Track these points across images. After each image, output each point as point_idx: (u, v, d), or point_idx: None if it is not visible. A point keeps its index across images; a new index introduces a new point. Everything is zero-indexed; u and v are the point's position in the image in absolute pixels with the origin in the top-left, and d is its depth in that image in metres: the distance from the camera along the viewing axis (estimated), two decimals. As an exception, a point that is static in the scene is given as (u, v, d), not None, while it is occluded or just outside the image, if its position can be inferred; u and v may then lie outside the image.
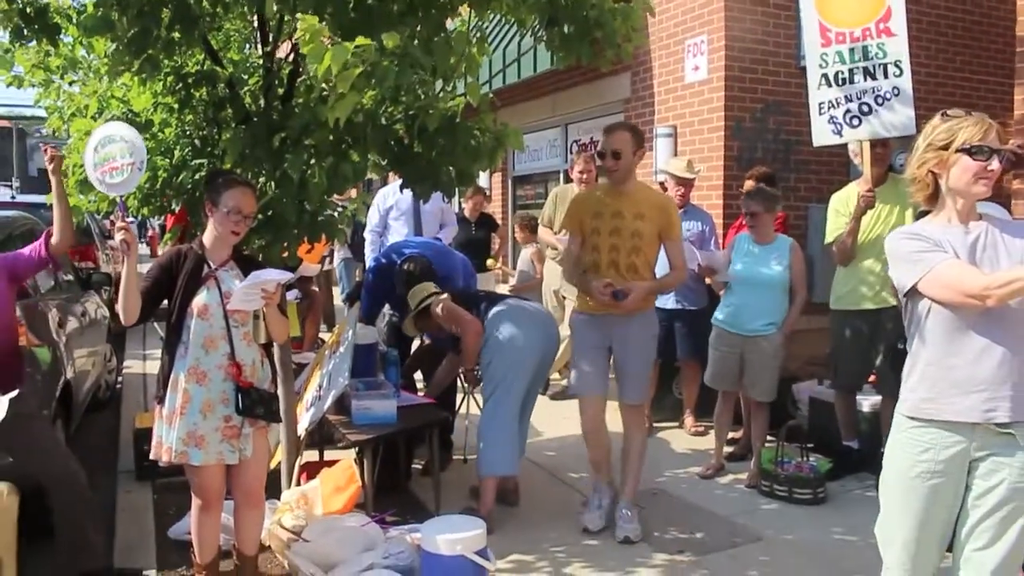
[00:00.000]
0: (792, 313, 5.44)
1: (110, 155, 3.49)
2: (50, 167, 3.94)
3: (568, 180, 8.08)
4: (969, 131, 2.59)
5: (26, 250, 4.14)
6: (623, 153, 4.49)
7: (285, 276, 3.55)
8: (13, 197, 12.72)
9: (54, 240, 4.08)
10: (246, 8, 4.05)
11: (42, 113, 5.20)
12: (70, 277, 6.97)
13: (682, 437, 6.63)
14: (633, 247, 4.50)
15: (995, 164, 2.58)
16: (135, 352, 9.49)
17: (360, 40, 3.06)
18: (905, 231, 2.72)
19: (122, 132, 3.53)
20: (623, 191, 4.55)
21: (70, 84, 4.87)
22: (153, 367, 8.53)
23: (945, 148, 2.62)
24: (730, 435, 6.01)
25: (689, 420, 6.75)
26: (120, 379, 8.45)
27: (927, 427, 2.63)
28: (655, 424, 6.78)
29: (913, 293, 2.64)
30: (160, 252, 4.10)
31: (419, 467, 5.65)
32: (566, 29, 4.48)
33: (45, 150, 3.94)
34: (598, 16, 4.45)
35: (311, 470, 4.87)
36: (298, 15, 3.37)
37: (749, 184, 6.60)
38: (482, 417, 4.88)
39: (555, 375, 7.94)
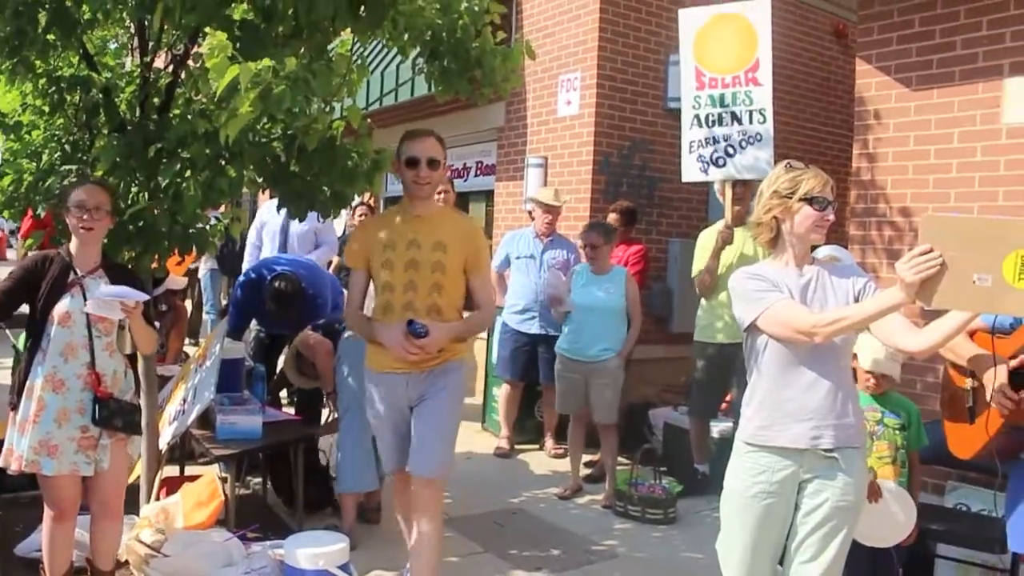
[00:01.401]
0: (629, 338, 5.76)
1: None
2: None
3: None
4: (811, 183, 2.88)
5: None
6: (440, 163, 3.75)
7: (141, 297, 3.52)
8: None
9: None
10: (126, 16, 4.02)
11: None
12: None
13: (543, 459, 6.83)
14: (434, 284, 3.69)
15: (831, 214, 2.88)
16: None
17: (265, 61, 3.13)
18: (747, 271, 2.98)
19: None
20: (422, 216, 3.76)
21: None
22: (2, 376, 8.15)
23: (788, 196, 2.89)
24: (588, 458, 6.25)
25: (549, 443, 6.96)
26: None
27: (762, 452, 2.89)
28: (517, 446, 6.96)
29: (752, 328, 2.91)
30: (15, 256, 3.98)
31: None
32: (447, 64, 4.64)
33: None
34: (479, 55, 4.63)
35: (171, 485, 4.80)
36: (206, 30, 3.40)
37: (612, 216, 6.91)
38: (338, 434, 4.93)
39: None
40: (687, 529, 5.33)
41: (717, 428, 6.13)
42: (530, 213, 7.24)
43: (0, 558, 4.38)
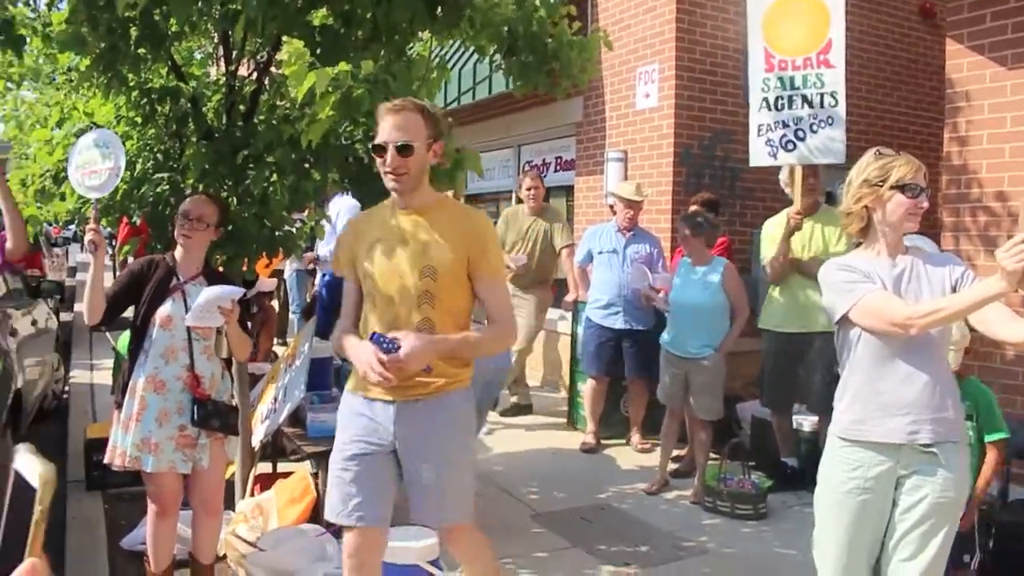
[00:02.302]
0: (730, 334, 5.61)
1: (92, 159, 3.59)
2: None
3: (519, 201, 8.23)
4: (902, 169, 2.79)
5: None
6: (415, 147, 2.90)
7: (237, 292, 3.64)
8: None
9: (9, 246, 4.11)
10: (211, 27, 4.14)
11: None
12: (20, 285, 6.93)
13: (629, 454, 6.79)
14: (424, 294, 2.93)
15: (925, 201, 2.79)
16: (82, 361, 9.40)
17: (342, 66, 3.19)
18: (838, 262, 2.91)
19: (105, 138, 3.63)
20: (411, 209, 3.01)
21: (29, 91, 4.91)
22: (100, 377, 8.49)
23: (879, 185, 2.81)
24: (675, 452, 6.19)
25: (636, 437, 6.92)
26: (67, 388, 8.38)
27: (857, 447, 2.81)
28: (603, 441, 6.93)
29: (844, 321, 2.83)
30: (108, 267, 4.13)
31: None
32: (524, 58, 4.65)
33: None
34: (556, 47, 4.62)
35: (265, 481, 4.93)
36: (284, 38, 3.48)
37: (693, 208, 6.83)
38: None
39: (504, 391, 8.08)
40: (778, 524, 5.23)
41: (808, 421, 6.01)
42: (611, 208, 7.20)
43: (108, 549, 4.57)
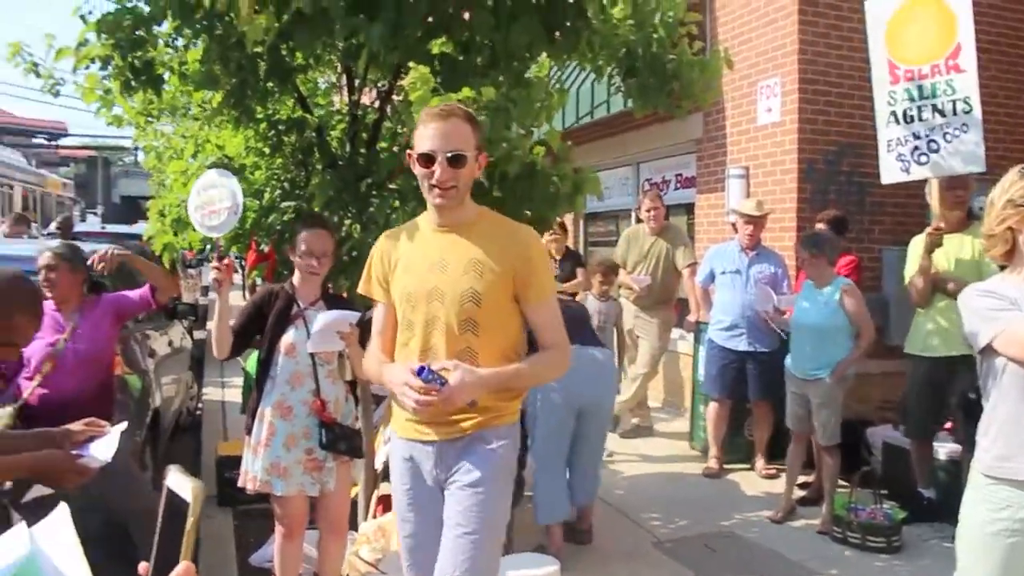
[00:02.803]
0: (849, 355, 5.36)
1: (211, 199, 3.72)
2: (105, 269, 4.17)
3: (639, 221, 8.14)
4: None
5: (134, 294, 4.34)
6: (467, 157, 2.63)
7: (353, 316, 3.71)
8: (103, 227, 13.25)
9: (158, 294, 4.29)
10: (335, 59, 4.25)
11: (124, 143, 5.48)
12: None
13: (753, 479, 6.60)
14: (467, 320, 2.66)
15: None
16: (214, 379, 9.77)
17: (465, 92, 3.22)
18: (980, 288, 2.73)
19: (223, 180, 3.76)
20: (451, 226, 2.73)
21: (167, 124, 5.15)
22: (231, 394, 8.80)
23: None
24: (802, 479, 5.98)
25: (760, 462, 6.72)
26: (200, 405, 8.72)
27: (1003, 486, 2.63)
28: (725, 466, 6.76)
29: (988, 351, 2.65)
30: (238, 285, 4.26)
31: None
32: (644, 80, 4.59)
33: (102, 259, 4.16)
34: (676, 68, 4.55)
35: (387, 503, 4.99)
36: (410, 64, 3.54)
37: (820, 226, 6.60)
38: (531, 459, 4.98)
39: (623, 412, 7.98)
40: (913, 560, 4.97)
41: (944, 449, 5.70)
42: (733, 225, 7.03)
43: (237, 565, 4.72)
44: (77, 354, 3.98)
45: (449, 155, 2.59)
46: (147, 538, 3.67)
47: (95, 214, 23.77)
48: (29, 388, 3.84)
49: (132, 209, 28.18)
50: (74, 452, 2.81)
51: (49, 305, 3.97)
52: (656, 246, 7.52)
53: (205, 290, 14.42)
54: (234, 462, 4.33)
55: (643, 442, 7.60)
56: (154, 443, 5.55)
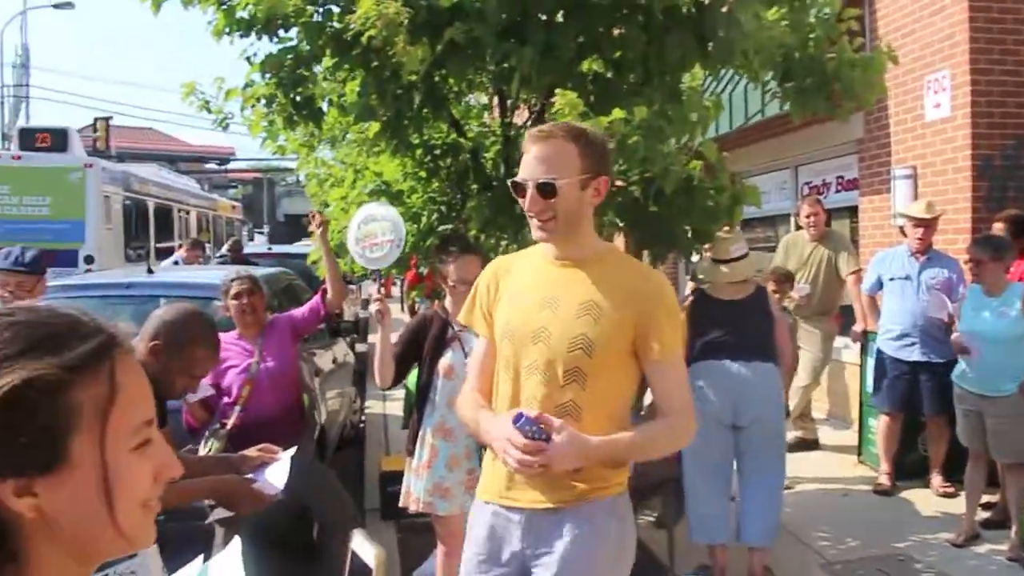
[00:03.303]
0: None
1: (372, 232, 3.82)
2: (318, 232, 4.33)
3: (798, 227, 7.86)
4: None
5: (305, 308, 4.54)
6: (559, 186, 2.29)
7: None
8: (269, 248, 13.92)
9: (329, 296, 4.45)
10: (486, 82, 4.30)
11: (287, 163, 5.75)
12: (322, 326, 7.54)
13: (929, 498, 6.23)
14: (574, 371, 2.31)
15: None
16: (375, 393, 10.06)
17: (617, 113, 3.20)
18: None
19: (384, 212, 3.87)
20: (568, 260, 2.40)
21: (327, 151, 5.36)
22: (392, 407, 9.04)
23: None
24: (985, 498, 5.59)
25: (937, 479, 6.33)
26: (363, 419, 9.00)
27: None
28: (898, 483, 6.41)
29: None
30: (396, 298, 4.34)
31: (651, 519, 5.64)
32: (801, 83, 4.43)
33: (313, 216, 4.33)
34: (836, 68, 4.36)
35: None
36: (557, 90, 3.56)
37: (998, 227, 6.17)
38: (684, 472, 4.82)
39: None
40: (1119, 590, 4.57)
41: None
42: (901, 229, 6.68)
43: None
44: (270, 374, 4.16)
45: (539, 182, 2.27)
46: (343, 549, 3.76)
47: (261, 233, 25.04)
48: (233, 413, 4.05)
49: (296, 227, 29.54)
50: (249, 476, 2.96)
51: (232, 335, 4.18)
52: (817, 253, 7.24)
53: (365, 303, 14.92)
54: (397, 477, 4.47)
55: (807, 456, 7.30)
56: (320, 458, 5.76)
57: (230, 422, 4.03)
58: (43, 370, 0.90)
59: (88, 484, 0.93)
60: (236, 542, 1.43)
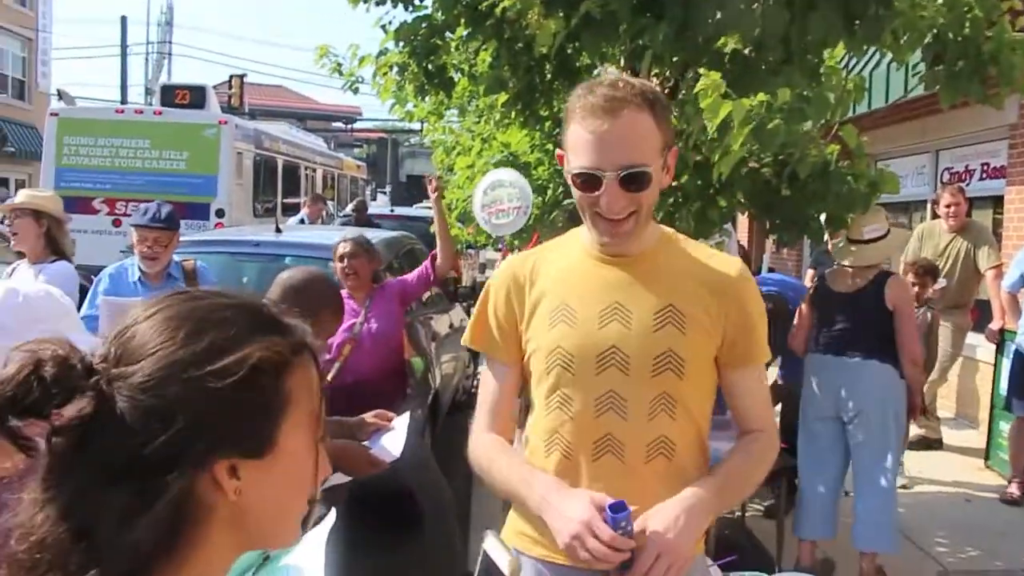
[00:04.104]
0: None
1: (498, 198, 3.83)
2: (433, 196, 4.37)
3: (935, 215, 7.48)
4: None
5: (414, 274, 4.61)
6: (650, 172, 1.75)
7: None
8: (392, 210, 14.16)
9: (439, 263, 4.50)
10: (620, 58, 4.21)
11: (413, 125, 5.81)
12: (438, 290, 7.63)
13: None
14: (662, 397, 1.81)
15: None
16: (488, 358, 10.15)
17: (760, 96, 3.09)
18: None
19: (512, 178, 3.85)
20: (629, 255, 1.86)
21: (454, 120, 5.38)
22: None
23: None
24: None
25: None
26: (475, 383, 9.10)
27: None
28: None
29: None
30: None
31: (761, 509, 5.53)
32: (953, 66, 4.18)
33: (430, 180, 4.37)
34: (994, 50, 4.10)
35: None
36: (700, 70, 3.46)
37: None
38: (799, 465, 4.75)
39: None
40: None
41: None
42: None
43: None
44: (372, 336, 4.25)
45: (624, 174, 1.70)
46: (436, 517, 3.82)
47: (384, 193, 25.50)
48: (332, 371, 4.15)
49: (417, 188, 29.99)
50: (365, 444, 3.02)
51: (343, 294, 4.27)
52: (954, 245, 6.89)
53: (483, 268, 15.06)
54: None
55: (929, 456, 7.00)
56: (433, 421, 5.85)
57: (328, 378, 4.11)
58: (273, 349, 0.90)
59: (287, 473, 0.93)
60: (329, 520, 1.42)
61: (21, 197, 4.33)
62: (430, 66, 4.07)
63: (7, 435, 0.88)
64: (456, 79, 4.32)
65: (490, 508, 5.55)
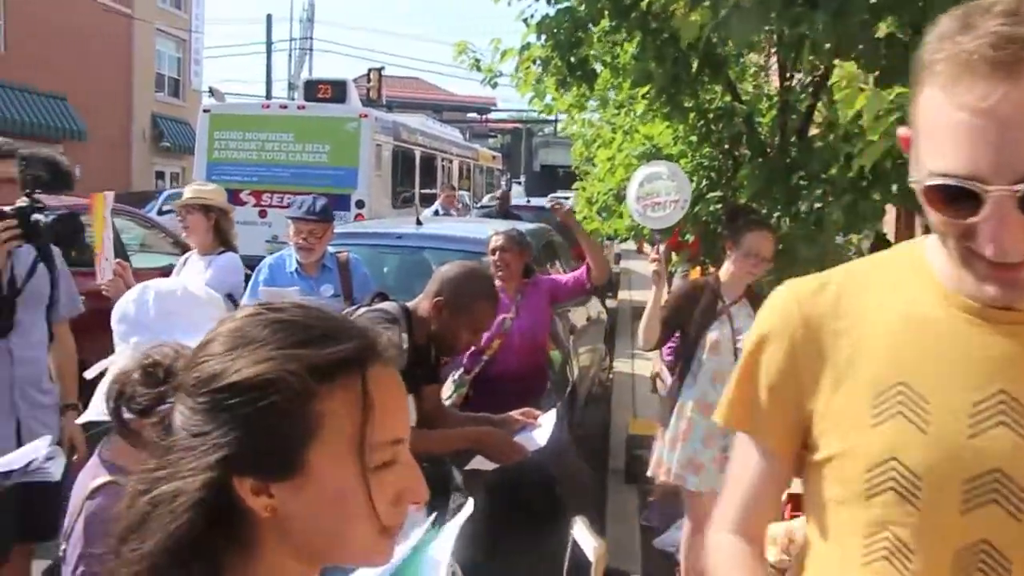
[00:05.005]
0: None
1: (655, 190, 3.78)
2: (568, 220, 4.37)
3: None
4: None
5: (570, 277, 4.59)
6: None
7: None
8: (527, 200, 14.23)
9: (593, 274, 4.46)
10: (768, 47, 4.10)
11: (545, 116, 5.77)
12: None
13: None
14: None
15: None
16: (624, 351, 10.06)
17: (899, 89, 2.94)
18: None
19: (670, 171, 3.80)
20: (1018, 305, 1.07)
21: (594, 112, 5.35)
22: (640, 367, 9.00)
23: None
24: None
25: None
26: (611, 376, 9.04)
27: None
28: None
29: None
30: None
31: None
32: None
33: (554, 208, 4.35)
34: None
35: (796, 503, 4.80)
36: (836, 62, 3.33)
37: None
38: None
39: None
40: None
41: None
42: None
43: (640, 544, 4.83)
44: (521, 332, 4.25)
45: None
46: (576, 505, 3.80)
47: (518, 183, 25.67)
48: (480, 363, 4.18)
49: (551, 178, 30.00)
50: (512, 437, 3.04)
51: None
52: None
53: (618, 257, 14.98)
54: (643, 440, 4.45)
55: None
56: (570, 414, 5.84)
57: (476, 370, 4.14)
58: (290, 373, 0.87)
59: (323, 497, 0.89)
60: (466, 510, 1.41)
61: (189, 193, 4.53)
62: (572, 59, 4.05)
63: (121, 428, 0.98)
64: (598, 71, 4.30)
65: (625, 501, 5.53)
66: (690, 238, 4.60)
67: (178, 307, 1.65)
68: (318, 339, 0.91)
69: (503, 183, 23.55)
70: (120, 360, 1.51)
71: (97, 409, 1.57)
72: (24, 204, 3.04)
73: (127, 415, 0.97)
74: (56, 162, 4.21)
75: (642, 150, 4.59)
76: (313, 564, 0.97)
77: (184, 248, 8.89)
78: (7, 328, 3.09)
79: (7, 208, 2.98)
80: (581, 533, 1.79)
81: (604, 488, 5.70)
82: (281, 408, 0.86)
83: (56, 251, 3.28)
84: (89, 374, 1.63)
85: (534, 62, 4.17)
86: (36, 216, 3.01)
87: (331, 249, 4.45)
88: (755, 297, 3.82)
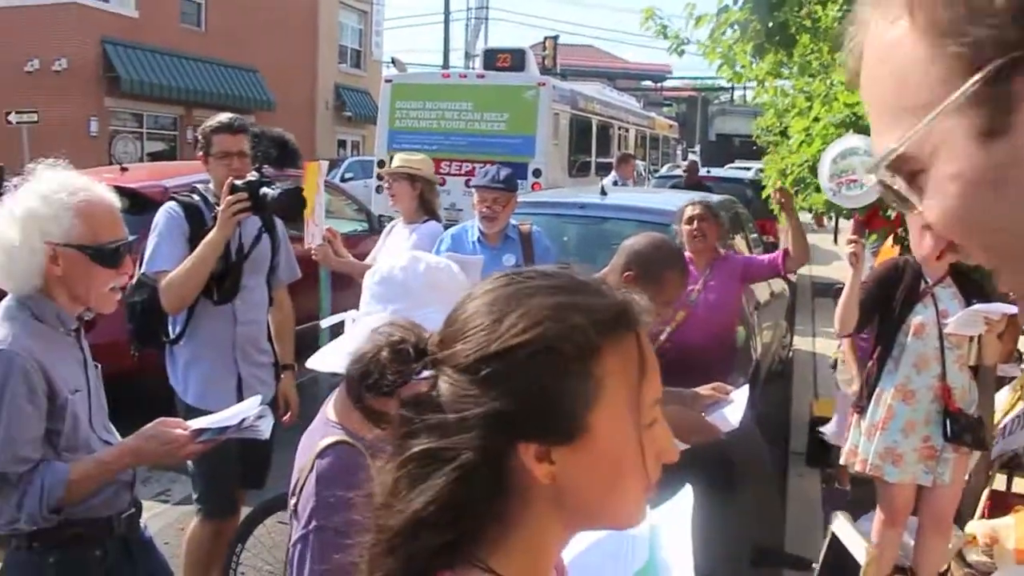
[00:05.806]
0: None
1: (850, 167, 3.56)
2: (785, 207, 4.20)
3: None
4: None
5: (765, 259, 4.44)
6: None
7: (1012, 310, 3.29)
8: (708, 171, 13.88)
9: (791, 259, 4.29)
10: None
11: (721, 81, 5.56)
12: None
13: None
14: None
15: None
16: (804, 328, 9.70)
17: None
18: None
19: (867, 145, 3.57)
20: None
21: (787, 81, 5.11)
22: (820, 346, 8.67)
23: None
24: None
25: None
26: (791, 353, 8.74)
27: None
28: None
29: None
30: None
31: None
32: None
33: (774, 194, 4.18)
34: None
35: (996, 500, 4.48)
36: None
37: None
38: None
39: None
40: None
41: None
42: None
43: (823, 530, 4.64)
44: (708, 306, 4.12)
45: None
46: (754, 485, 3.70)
47: (693, 152, 25.11)
48: (662, 335, 4.11)
49: (726, 148, 29.21)
50: (704, 416, 2.96)
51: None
52: None
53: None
54: (825, 422, 4.24)
55: None
56: (752, 392, 5.67)
57: (659, 341, 4.06)
58: (578, 334, 0.87)
59: (602, 460, 0.89)
60: (686, 494, 1.35)
61: (397, 162, 4.68)
62: (771, 23, 3.86)
63: (363, 409, 0.97)
64: (797, 37, 4.08)
65: (806, 485, 5.34)
66: (892, 214, 4.32)
67: (446, 282, 1.66)
68: (593, 294, 0.92)
69: (679, 152, 23.11)
70: (370, 321, 1.53)
71: (327, 361, 1.61)
72: (253, 178, 3.24)
73: (368, 397, 0.96)
74: (285, 140, 4.45)
75: (841, 118, 4.33)
76: (576, 530, 0.97)
77: (367, 215, 9.24)
78: (233, 292, 3.32)
79: (239, 182, 3.19)
80: (844, 529, 1.71)
81: (785, 471, 5.53)
82: (565, 368, 0.87)
83: (278, 220, 3.50)
84: (325, 323, 1.67)
85: (731, 26, 4.00)
86: (264, 190, 3.20)
87: (513, 220, 4.47)
88: (961, 276, 3.56)
